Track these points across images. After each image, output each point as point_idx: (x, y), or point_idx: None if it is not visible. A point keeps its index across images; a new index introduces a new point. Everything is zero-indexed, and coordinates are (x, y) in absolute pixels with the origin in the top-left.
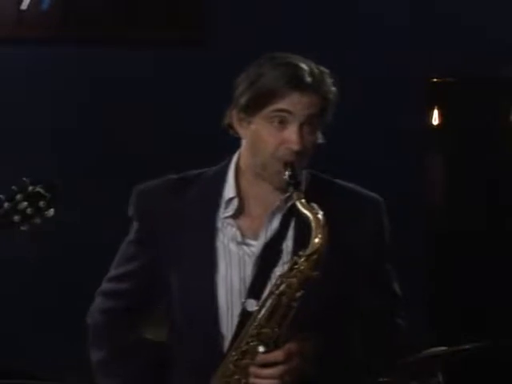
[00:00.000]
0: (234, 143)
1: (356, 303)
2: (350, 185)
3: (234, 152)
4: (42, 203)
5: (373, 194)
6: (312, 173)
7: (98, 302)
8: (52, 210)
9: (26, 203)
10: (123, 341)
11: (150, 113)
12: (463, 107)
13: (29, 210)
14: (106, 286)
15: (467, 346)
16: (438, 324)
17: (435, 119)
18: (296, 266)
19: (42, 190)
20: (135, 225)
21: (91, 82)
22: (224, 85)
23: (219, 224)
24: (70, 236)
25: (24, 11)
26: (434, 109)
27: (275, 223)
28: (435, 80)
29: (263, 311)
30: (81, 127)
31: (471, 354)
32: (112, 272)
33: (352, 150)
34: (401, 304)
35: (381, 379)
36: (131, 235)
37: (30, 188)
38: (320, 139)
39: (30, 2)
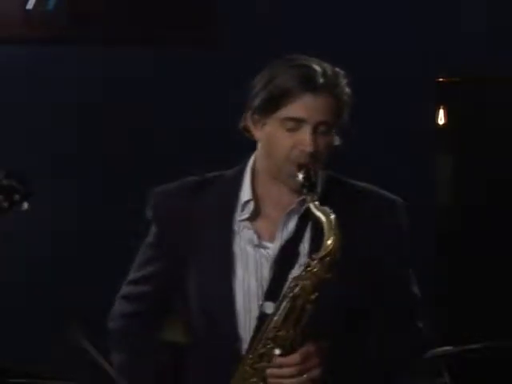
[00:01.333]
0: (246, 144)
1: (374, 306)
2: (369, 186)
3: (245, 151)
4: (16, 197)
5: (391, 195)
6: (329, 174)
7: (119, 305)
8: (26, 203)
9: (1, 196)
10: (144, 344)
11: (150, 112)
12: (470, 107)
13: (5, 204)
14: (125, 289)
15: (474, 346)
16: (444, 324)
17: (441, 119)
18: (309, 269)
19: (15, 184)
20: (154, 227)
21: (96, 81)
22: (236, 85)
23: (236, 227)
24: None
25: (30, 11)
26: (440, 108)
27: (291, 225)
28: (441, 79)
29: (278, 314)
30: (81, 129)
31: (478, 353)
32: (131, 275)
33: (356, 150)
34: (421, 306)
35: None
36: (150, 238)
37: (5, 181)
38: (336, 141)
39: (36, 2)
